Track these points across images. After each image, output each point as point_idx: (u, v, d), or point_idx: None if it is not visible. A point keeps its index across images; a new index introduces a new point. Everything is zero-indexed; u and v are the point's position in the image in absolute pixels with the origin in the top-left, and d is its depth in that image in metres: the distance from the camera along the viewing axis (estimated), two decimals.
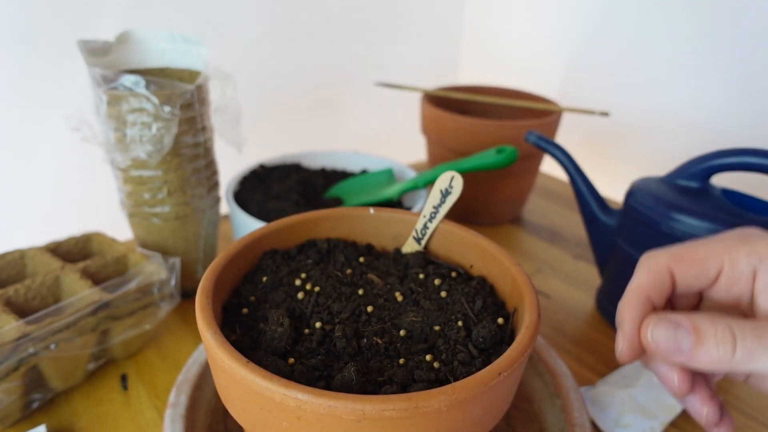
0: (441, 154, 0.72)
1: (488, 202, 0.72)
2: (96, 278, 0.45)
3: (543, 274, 0.63)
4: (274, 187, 0.58)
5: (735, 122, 0.76)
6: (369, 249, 0.38)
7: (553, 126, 0.68)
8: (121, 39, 0.49)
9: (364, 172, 0.65)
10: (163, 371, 0.47)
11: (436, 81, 1.11)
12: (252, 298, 0.32)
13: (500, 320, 0.30)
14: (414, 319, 0.29)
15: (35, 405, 0.41)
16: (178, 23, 0.83)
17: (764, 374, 0.23)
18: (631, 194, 0.51)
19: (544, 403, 0.41)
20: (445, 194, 0.35)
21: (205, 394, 0.40)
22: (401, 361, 0.27)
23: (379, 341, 0.28)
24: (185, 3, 0.83)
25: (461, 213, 0.74)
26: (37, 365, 0.39)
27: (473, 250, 0.35)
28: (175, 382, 0.39)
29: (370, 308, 0.31)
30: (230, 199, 0.54)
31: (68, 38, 0.51)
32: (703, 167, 0.48)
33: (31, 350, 0.38)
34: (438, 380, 0.26)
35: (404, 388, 0.25)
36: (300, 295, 0.31)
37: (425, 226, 0.36)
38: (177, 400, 0.37)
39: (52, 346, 0.39)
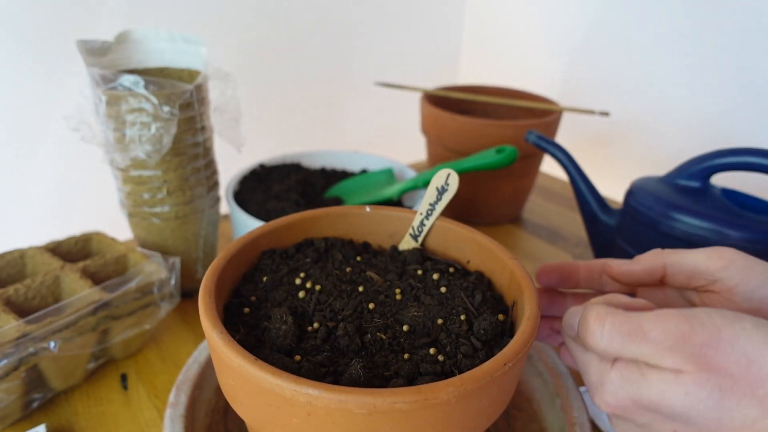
0: (441, 154, 0.72)
1: (488, 202, 0.72)
2: (96, 278, 0.45)
3: None
4: (273, 187, 0.58)
5: (735, 122, 0.76)
6: (366, 247, 0.38)
7: (553, 126, 0.68)
8: (121, 39, 0.49)
9: (364, 172, 0.65)
10: (163, 371, 0.47)
11: (436, 81, 1.11)
12: (253, 298, 0.32)
13: (501, 316, 0.30)
14: (416, 314, 0.30)
15: (35, 404, 0.41)
16: (177, 23, 0.83)
17: (687, 263, 0.31)
18: (631, 194, 0.51)
19: (544, 402, 0.41)
20: (442, 191, 0.35)
21: (205, 393, 0.40)
22: (406, 355, 0.27)
23: (383, 337, 0.28)
24: (185, 3, 0.83)
25: (461, 213, 0.74)
26: (37, 365, 0.39)
27: (470, 245, 0.35)
28: (175, 382, 0.39)
29: (371, 305, 0.31)
30: (230, 199, 0.54)
31: (67, 38, 0.51)
32: (703, 167, 0.48)
33: (30, 350, 0.38)
34: (443, 373, 0.26)
35: (411, 381, 0.26)
36: (301, 294, 0.32)
37: (422, 223, 0.36)
38: (177, 399, 0.37)
39: (52, 346, 0.39)
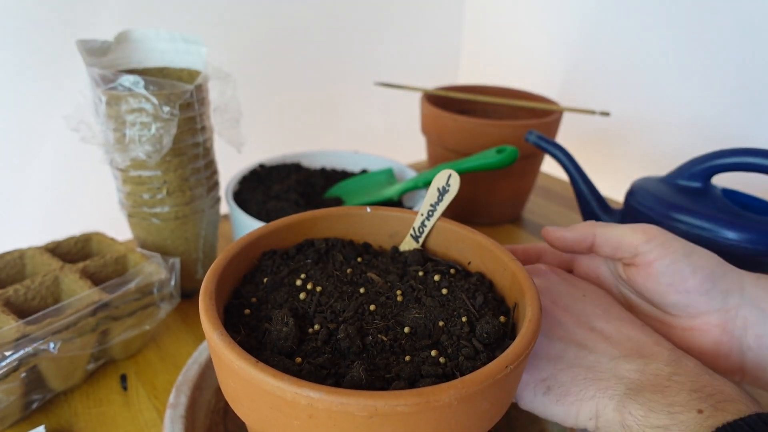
0: (441, 154, 0.72)
1: (488, 202, 0.72)
2: (95, 278, 0.45)
3: None
4: (273, 187, 0.58)
5: (735, 122, 0.76)
6: (367, 248, 0.38)
7: (554, 126, 0.68)
8: (120, 39, 0.49)
9: (364, 172, 0.65)
10: (163, 372, 0.47)
11: (436, 81, 1.11)
12: (253, 299, 0.32)
13: (502, 318, 0.30)
14: (417, 315, 0.30)
15: (35, 405, 0.41)
16: (177, 23, 0.83)
17: (614, 236, 0.33)
18: (631, 194, 0.51)
19: None
20: (443, 192, 0.35)
21: (204, 394, 0.40)
22: (407, 357, 0.27)
23: (384, 338, 0.28)
24: (185, 3, 0.83)
25: (461, 213, 0.74)
26: (37, 365, 0.39)
27: (471, 246, 0.35)
28: (175, 383, 0.39)
29: (372, 306, 0.31)
30: (230, 199, 0.54)
31: (67, 38, 0.50)
32: (703, 167, 0.48)
33: (30, 350, 0.38)
34: (445, 375, 0.26)
35: (412, 383, 0.25)
36: (302, 296, 0.32)
37: (423, 224, 0.36)
38: (177, 400, 0.37)
39: (52, 347, 0.39)
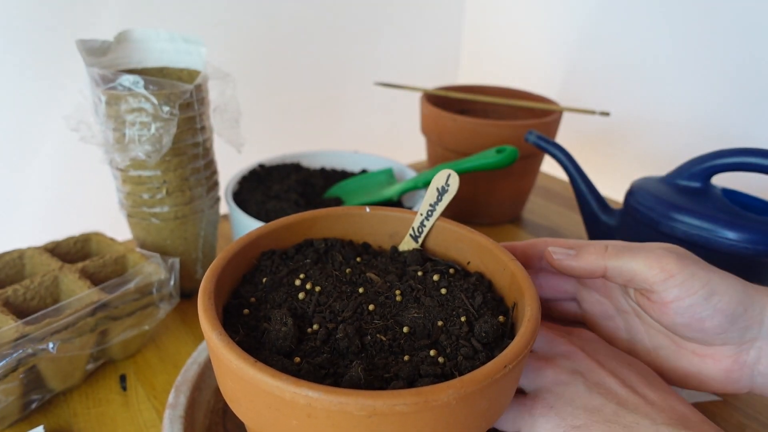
0: (441, 154, 0.72)
1: (488, 202, 0.72)
2: (95, 278, 0.45)
3: None
4: (273, 187, 0.58)
5: (735, 122, 0.76)
6: (366, 248, 0.38)
7: (553, 126, 0.68)
8: (120, 38, 0.49)
9: (363, 172, 0.65)
10: (162, 372, 0.46)
11: (436, 81, 1.10)
12: (252, 299, 0.32)
13: (501, 318, 0.30)
14: (416, 315, 0.30)
15: (34, 405, 0.41)
16: (177, 23, 0.83)
17: (628, 270, 0.31)
18: (631, 194, 0.51)
19: None
20: (442, 192, 0.35)
21: (204, 394, 0.40)
22: (406, 357, 0.27)
23: (383, 338, 0.28)
24: (185, 3, 0.83)
25: (461, 213, 0.74)
26: (36, 366, 0.39)
27: (470, 246, 0.35)
28: (174, 383, 0.39)
29: (371, 306, 0.31)
30: (229, 199, 0.54)
31: (67, 38, 0.50)
32: (703, 167, 0.48)
33: (29, 351, 0.38)
34: (443, 375, 0.26)
35: (411, 383, 0.25)
36: (301, 295, 0.32)
37: (422, 224, 0.36)
38: (176, 400, 0.37)
39: (51, 347, 0.39)
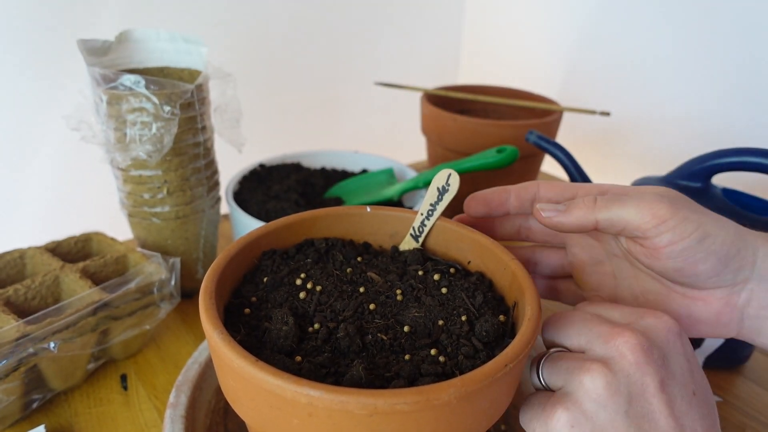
0: (441, 154, 0.72)
1: None
2: (96, 278, 0.45)
3: None
4: (273, 187, 0.58)
5: (735, 122, 0.76)
6: (367, 247, 0.38)
7: (554, 126, 0.68)
8: (121, 38, 0.49)
9: (364, 171, 0.65)
10: (163, 371, 0.47)
11: (436, 81, 1.10)
12: (253, 299, 0.32)
13: (502, 317, 0.30)
14: (417, 314, 0.30)
15: (35, 405, 0.41)
16: (178, 23, 0.83)
17: (619, 220, 0.30)
18: None
19: None
20: (443, 192, 0.35)
21: (205, 394, 0.40)
22: (407, 356, 0.27)
23: (384, 337, 0.28)
24: (185, 3, 0.83)
25: (461, 212, 0.74)
26: (37, 365, 0.39)
27: (471, 246, 0.35)
28: (175, 383, 0.39)
29: (372, 306, 0.31)
30: (230, 199, 0.54)
31: (68, 38, 0.50)
32: (703, 167, 0.48)
33: (30, 350, 0.38)
34: (444, 374, 0.26)
35: (412, 382, 0.25)
36: (302, 295, 0.32)
37: (422, 224, 0.36)
38: (177, 400, 0.37)
39: (52, 346, 0.39)
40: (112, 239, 0.50)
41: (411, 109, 0.94)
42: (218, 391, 0.41)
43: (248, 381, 0.24)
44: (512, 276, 0.31)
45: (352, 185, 0.62)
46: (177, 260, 0.48)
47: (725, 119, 0.77)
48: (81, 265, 0.45)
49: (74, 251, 0.49)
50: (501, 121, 0.65)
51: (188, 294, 0.55)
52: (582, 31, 0.94)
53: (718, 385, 0.47)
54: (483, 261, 0.34)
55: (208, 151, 0.51)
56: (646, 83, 0.85)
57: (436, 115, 0.69)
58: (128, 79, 0.44)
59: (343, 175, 0.65)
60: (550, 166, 0.92)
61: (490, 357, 0.27)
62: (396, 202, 0.59)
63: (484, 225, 0.38)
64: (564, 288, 0.38)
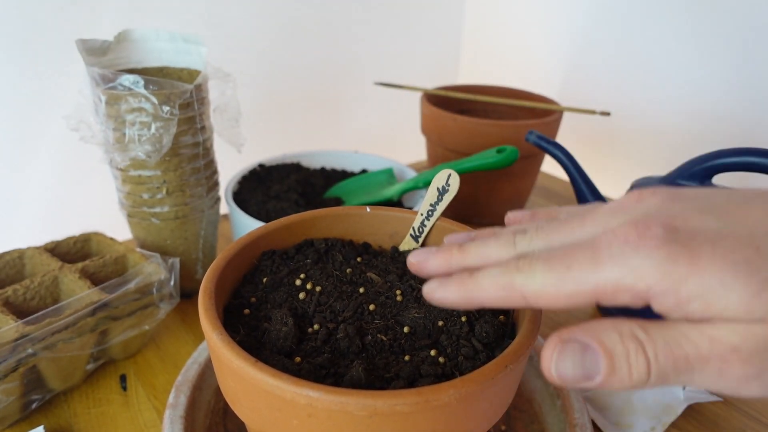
0: (441, 154, 0.72)
1: (488, 202, 0.72)
2: (95, 278, 0.45)
3: None
4: (273, 187, 0.58)
5: (735, 122, 0.76)
6: (366, 248, 0.38)
7: (554, 126, 0.68)
8: (120, 38, 0.49)
9: (364, 171, 0.65)
10: (163, 372, 0.46)
11: (436, 81, 1.10)
12: (253, 299, 0.32)
13: (501, 317, 0.30)
14: (416, 315, 0.30)
15: (34, 406, 0.41)
16: (178, 23, 0.83)
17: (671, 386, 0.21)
18: None
19: (545, 403, 0.41)
20: (443, 192, 0.35)
21: (204, 394, 0.40)
22: (406, 357, 0.27)
23: (384, 338, 0.28)
24: (185, 3, 0.83)
25: (462, 213, 0.74)
26: (36, 366, 0.39)
27: None
28: (175, 383, 0.39)
29: (372, 306, 0.31)
30: (229, 199, 0.54)
31: (67, 38, 0.50)
32: (703, 167, 0.48)
33: (29, 351, 0.38)
34: (444, 375, 0.26)
35: (411, 383, 0.25)
36: (301, 295, 0.32)
37: (422, 224, 0.36)
38: (176, 400, 0.37)
39: (51, 347, 0.39)
40: (112, 239, 0.50)
41: (411, 109, 0.94)
42: (218, 392, 0.41)
43: (248, 382, 0.24)
44: None
45: (352, 185, 0.62)
46: (176, 260, 0.48)
47: (725, 119, 0.77)
48: (80, 265, 0.45)
49: (73, 251, 0.49)
50: (501, 121, 0.65)
51: (188, 294, 0.55)
52: (582, 31, 0.94)
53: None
54: None
55: (207, 151, 0.51)
56: (646, 83, 0.85)
57: (436, 115, 0.69)
58: (127, 79, 0.44)
59: (343, 175, 0.65)
60: (550, 166, 0.92)
61: (490, 358, 0.27)
62: (396, 203, 0.59)
63: None
64: None
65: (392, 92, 0.96)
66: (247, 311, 0.31)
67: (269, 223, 0.36)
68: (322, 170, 0.66)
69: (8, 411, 0.39)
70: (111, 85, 0.44)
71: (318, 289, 0.32)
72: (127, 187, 0.49)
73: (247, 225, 0.50)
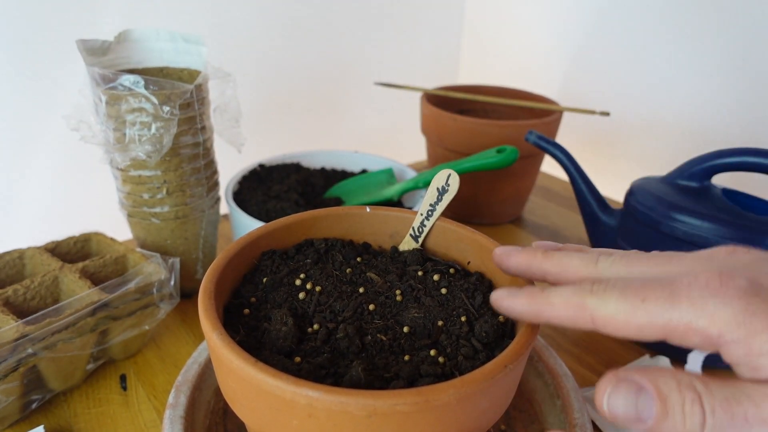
0: (441, 154, 0.72)
1: (488, 202, 0.72)
2: (95, 278, 0.45)
3: None
4: (273, 187, 0.58)
5: (735, 122, 0.76)
6: (366, 248, 0.38)
7: (554, 126, 0.68)
8: (121, 38, 0.49)
9: (364, 171, 0.65)
10: (163, 372, 0.46)
11: (436, 81, 1.10)
12: (253, 299, 0.32)
13: (501, 317, 0.30)
14: (416, 315, 0.30)
15: (34, 406, 0.41)
16: (178, 23, 0.83)
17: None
18: (631, 194, 0.51)
19: (545, 403, 0.41)
20: (442, 192, 0.35)
21: (204, 394, 0.40)
22: (406, 357, 0.27)
23: (384, 338, 0.28)
24: (185, 3, 0.83)
25: (462, 213, 0.74)
26: (36, 366, 0.39)
27: (470, 246, 0.35)
28: (174, 383, 0.39)
29: (371, 306, 0.31)
30: (230, 199, 0.54)
31: (67, 38, 0.50)
32: (703, 167, 0.48)
33: (29, 351, 0.38)
34: (444, 375, 0.26)
35: (411, 383, 0.25)
36: (301, 295, 0.32)
37: (422, 224, 0.36)
38: (176, 400, 0.37)
39: (51, 347, 0.39)
40: (112, 239, 0.50)
41: (411, 109, 0.94)
42: (218, 392, 0.41)
43: (247, 382, 0.24)
44: (512, 276, 0.31)
45: (352, 185, 0.62)
46: (176, 260, 0.48)
47: (725, 119, 0.77)
48: (80, 265, 0.45)
49: (74, 251, 0.49)
50: (501, 121, 0.65)
51: (188, 294, 0.55)
52: (582, 31, 0.94)
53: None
54: (483, 261, 0.34)
55: (207, 151, 0.51)
56: (646, 83, 0.85)
57: (436, 115, 0.69)
58: (127, 80, 0.44)
59: (343, 175, 0.65)
60: (550, 166, 0.92)
61: (489, 358, 0.27)
62: (396, 202, 0.59)
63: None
64: None
65: (392, 92, 0.97)
66: (247, 311, 0.31)
67: (269, 223, 0.36)
68: (322, 170, 0.66)
69: (8, 411, 0.39)
70: (111, 85, 0.44)
71: (318, 289, 0.32)
72: (127, 187, 0.49)
73: (247, 225, 0.50)
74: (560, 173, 0.87)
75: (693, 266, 0.22)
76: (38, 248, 0.47)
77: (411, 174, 0.61)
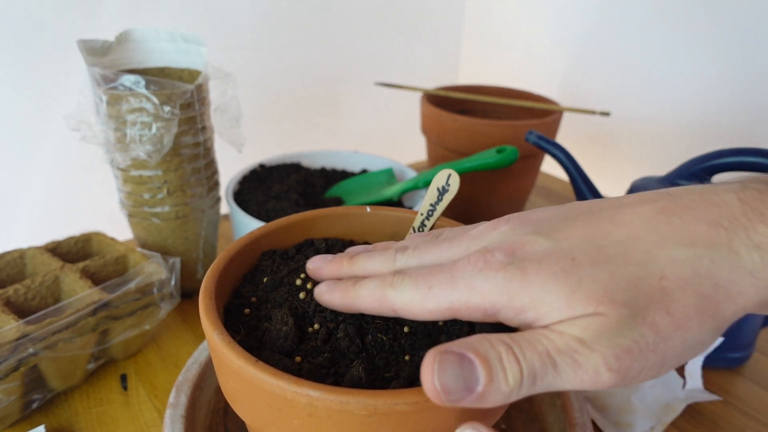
0: (441, 154, 0.72)
1: (488, 202, 0.72)
2: (96, 278, 0.45)
3: None
4: (274, 187, 0.58)
5: (735, 122, 0.76)
6: None
7: (554, 126, 0.68)
8: (121, 38, 0.49)
9: (364, 172, 0.65)
10: (163, 371, 0.47)
11: (436, 81, 1.11)
12: (253, 299, 0.32)
13: None
14: None
15: (35, 405, 0.41)
16: (178, 23, 0.83)
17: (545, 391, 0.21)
18: (631, 194, 0.51)
19: (545, 403, 0.41)
20: (443, 192, 0.35)
21: (205, 394, 0.40)
22: (407, 357, 0.27)
23: (384, 338, 0.28)
24: (185, 3, 0.83)
25: (462, 213, 0.74)
26: (37, 365, 0.39)
27: None
28: (175, 383, 0.39)
29: None
30: (230, 199, 0.54)
31: (68, 38, 0.51)
32: (703, 167, 0.48)
33: (30, 350, 0.38)
34: None
35: (411, 382, 0.25)
36: (302, 295, 0.32)
37: (423, 224, 0.36)
38: (177, 400, 0.37)
39: (52, 346, 0.39)
40: (112, 239, 0.50)
41: (411, 109, 0.94)
42: (218, 391, 0.41)
43: (248, 381, 0.24)
44: None
45: (352, 185, 0.62)
46: (177, 260, 0.48)
47: (725, 119, 0.77)
48: (81, 265, 0.45)
49: (74, 251, 0.49)
50: (501, 121, 0.65)
51: (188, 294, 0.55)
52: (582, 32, 0.94)
53: (718, 385, 0.47)
54: None
55: (208, 151, 0.51)
56: (646, 83, 0.85)
57: (436, 115, 0.69)
58: (128, 80, 0.44)
59: (343, 175, 0.65)
60: (550, 166, 0.92)
61: None
62: (396, 202, 0.59)
63: None
64: None
65: (392, 92, 0.97)
66: (247, 311, 0.31)
67: (269, 223, 0.36)
68: (322, 170, 0.66)
69: (9, 411, 0.39)
70: (112, 85, 0.44)
71: None
72: (128, 187, 0.49)
73: (248, 225, 0.50)
74: (560, 173, 0.87)
75: (468, 247, 0.25)
76: (39, 248, 0.47)
77: (411, 174, 0.61)
